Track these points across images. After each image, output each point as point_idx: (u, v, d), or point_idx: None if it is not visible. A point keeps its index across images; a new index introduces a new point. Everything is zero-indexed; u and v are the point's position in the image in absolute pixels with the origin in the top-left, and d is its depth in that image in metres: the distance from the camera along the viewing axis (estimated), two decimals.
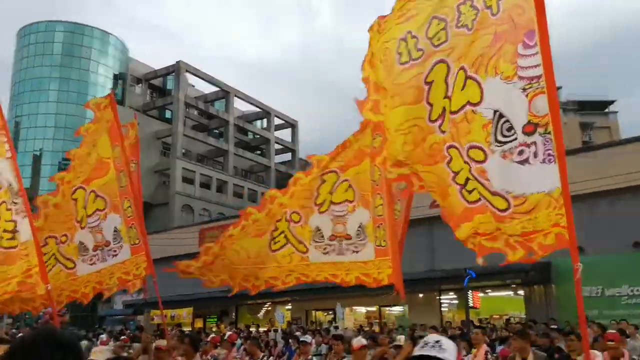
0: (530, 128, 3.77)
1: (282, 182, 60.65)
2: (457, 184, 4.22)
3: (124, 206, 7.16)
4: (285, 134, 64.90)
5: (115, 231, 7.12)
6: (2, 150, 5.98)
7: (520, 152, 3.83)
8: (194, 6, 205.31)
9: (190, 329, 27.00)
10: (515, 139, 3.84)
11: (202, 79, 55.22)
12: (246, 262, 6.76)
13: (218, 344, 10.44)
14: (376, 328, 22.26)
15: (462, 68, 4.18)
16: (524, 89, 3.78)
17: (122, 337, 14.14)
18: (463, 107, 4.13)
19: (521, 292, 21.49)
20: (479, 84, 4.05)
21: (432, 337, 2.65)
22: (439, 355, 2.41)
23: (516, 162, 3.84)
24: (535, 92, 3.72)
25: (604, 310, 16.81)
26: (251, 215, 6.67)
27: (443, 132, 4.27)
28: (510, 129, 3.87)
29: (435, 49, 4.41)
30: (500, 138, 3.92)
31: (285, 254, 6.74)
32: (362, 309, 26.49)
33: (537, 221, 3.74)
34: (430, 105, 4.39)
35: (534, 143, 3.75)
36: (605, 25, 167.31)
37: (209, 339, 11.86)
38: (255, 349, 8.79)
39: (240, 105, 61.36)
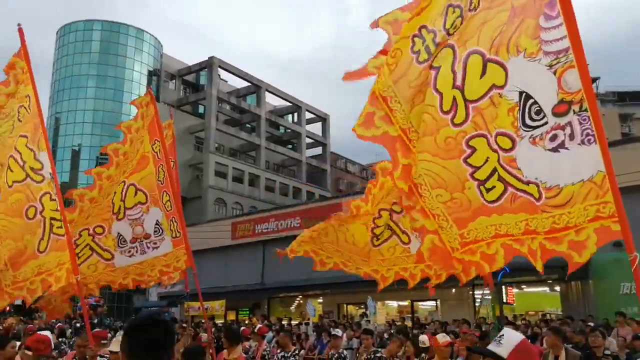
0: (562, 108, 3.38)
1: (314, 176, 60.87)
2: (475, 179, 3.90)
3: (163, 200, 7.32)
4: (316, 128, 64.96)
5: (157, 224, 7.26)
6: (42, 144, 6.14)
7: (553, 138, 3.42)
8: (226, 4, 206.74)
9: (223, 322, 27.31)
10: (546, 122, 3.46)
11: (234, 74, 55.64)
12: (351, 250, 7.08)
13: (249, 336, 10.50)
14: (408, 323, 22.13)
15: (476, 52, 3.83)
16: (551, 65, 3.41)
17: None
18: (488, 92, 3.76)
19: (557, 288, 21.06)
20: (501, 65, 3.69)
21: (504, 330, 2.71)
22: (494, 350, 2.50)
23: (549, 149, 3.45)
24: (563, 67, 3.34)
25: None
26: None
27: (457, 125, 3.94)
28: (539, 112, 3.49)
29: (449, 37, 4.10)
30: (528, 122, 3.55)
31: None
32: (394, 303, 26.38)
33: (571, 216, 3.36)
34: (439, 93, 4.08)
35: (569, 124, 3.35)
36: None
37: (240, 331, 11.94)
38: (287, 340, 8.85)
39: (272, 100, 61.67)
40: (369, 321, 19.98)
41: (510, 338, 2.55)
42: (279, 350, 8.82)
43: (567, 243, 3.39)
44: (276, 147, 58.66)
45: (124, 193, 7.27)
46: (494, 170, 3.76)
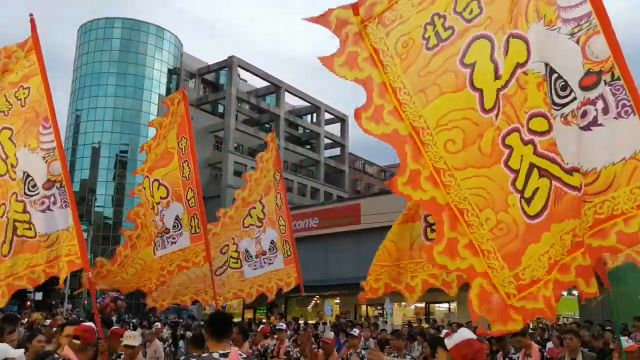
0: (590, 80, 2.94)
1: (332, 176, 60.86)
2: (517, 190, 3.35)
3: (188, 196, 7.41)
4: (334, 129, 64.93)
5: (176, 219, 7.39)
6: (34, 143, 5.98)
7: (583, 115, 2.96)
8: (245, 3, 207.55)
9: (240, 320, 27.50)
10: (574, 98, 3.02)
11: (254, 73, 55.85)
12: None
13: (268, 334, 10.59)
14: (424, 324, 22.09)
15: (516, 36, 3.42)
16: (572, 34, 3.01)
17: (156, 326, 14.54)
18: (513, 74, 3.34)
19: (575, 292, 20.82)
20: (521, 38, 3.30)
21: (460, 329, 3.43)
22: (445, 341, 3.17)
23: (581, 127, 2.98)
24: (587, 34, 2.95)
25: None
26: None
27: (495, 120, 3.50)
28: (564, 87, 3.06)
29: (469, 24, 3.68)
30: (556, 100, 3.11)
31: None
32: (411, 305, 26.33)
33: (616, 202, 2.83)
34: (479, 91, 3.58)
35: (601, 97, 2.91)
36: None
37: (259, 330, 12.06)
38: (308, 339, 8.93)
39: (291, 100, 61.76)
40: (385, 322, 19.99)
41: (459, 335, 3.11)
42: (296, 350, 8.91)
43: (616, 236, 2.83)
44: (295, 147, 58.76)
45: (151, 189, 7.50)
46: (531, 167, 3.26)
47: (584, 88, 2.97)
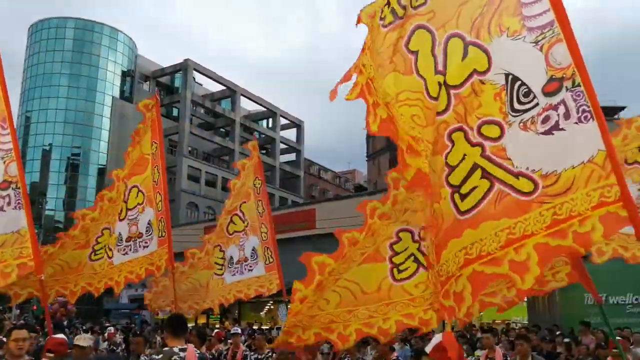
0: (553, 86, 3.04)
1: (287, 182, 60.92)
2: (450, 185, 3.44)
3: (157, 200, 7.61)
4: (290, 134, 65.09)
5: (148, 223, 7.57)
6: None
7: (546, 119, 3.06)
8: (200, 7, 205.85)
9: (194, 324, 27.19)
10: (537, 104, 3.11)
11: (210, 77, 55.49)
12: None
13: (222, 339, 10.58)
14: None
15: (455, 35, 3.54)
16: (537, 42, 3.12)
17: (109, 331, 14.38)
18: (468, 78, 3.42)
19: (525, 298, 21.48)
20: (482, 49, 3.38)
21: (435, 335, 3.63)
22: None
23: (541, 132, 3.08)
24: (550, 42, 3.05)
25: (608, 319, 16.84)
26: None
27: (440, 113, 3.57)
28: (527, 93, 3.15)
29: (414, 11, 3.81)
30: (517, 106, 3.19)
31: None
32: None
33: (574, 203, 2.92)
34: (423, 79, 3.71)
35: (562, 102, 3.01)
36: (614, 34, 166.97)
37: (213, 334, 12.03)
38: (263, 343, 9.00)
39: (247, 105, 61.62)
40: None
41: (435, 339, 3.39)
42: (252, 352, 8.94)
43: (572, 235, 2.91)
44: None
45: (126, 194, 7.56)
46: (474, 167, 3.34)
47: (547, 94, 3.07)
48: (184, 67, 53.30)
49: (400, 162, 3.94)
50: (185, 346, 4.46)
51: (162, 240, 7.47)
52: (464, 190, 3.36)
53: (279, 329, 21.35)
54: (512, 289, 4.58)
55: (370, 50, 4.18)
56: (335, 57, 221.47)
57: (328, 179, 68.97)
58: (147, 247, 7.52)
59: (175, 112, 56.26)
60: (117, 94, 54.43)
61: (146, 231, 7.54)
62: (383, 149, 62.00)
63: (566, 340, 11.76)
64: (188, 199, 49.68)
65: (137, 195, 7.63)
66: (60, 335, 5.02)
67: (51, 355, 4.66)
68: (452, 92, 3.50)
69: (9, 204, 5.94)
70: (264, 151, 62.34)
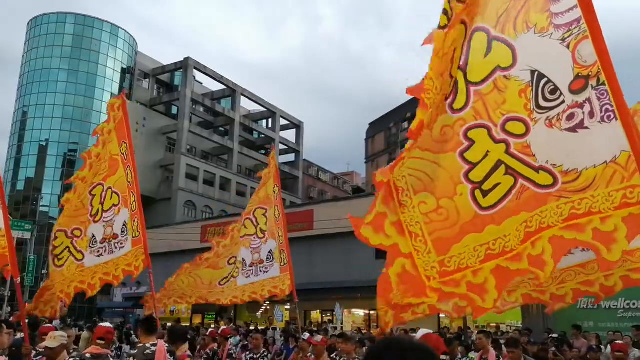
0: (579, 84, 3.01)
1: (286, 182, 60.84)
2: (470, 181, 3.38)
3: (130, 200, 7.54)
4: (289, 135, 65.09)
5: (124, 225, 7.51)
6: None
7: (571, 117, 3.04)
8: (200, 7, 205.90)
9: (189, 324, 27.15)
10: (563, 102, 3.09)
11: (210, 76, 55.39)
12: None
13: (216, 338, 10.54)
14: (373, 331, 22.36)
15: (481, 29, 3.45)
16: (564, 39, 3.07)
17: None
18: (491, 74, 3.36)
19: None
20: (508, 44, 3.32)
21: (422, 331, 3.82)
22: None
23: (566, 129, 3.05)
24: (577, 39, 3.01)
25: (599, 323, 16.92)
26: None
27: (456, 111, 3.47)
28: (554, 90, 3.11)
29: (460, 4, 3.61)
30: (542, 103, 3.16)
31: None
32: (360, 312, 26.61)
33: (594, 200, 2.91)
34: (441, 76, 3.57)
35: (588, 100, 2.99)
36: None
37: (207, 333, 11.98)
38: (260, 342, 8.99)
39: (247, 104, 61.58)
40: (335, 327, 20.15)
41: (420, 333, 3.62)
42: (247, 352, 8.94)
43: (592, 232, 2.90)
44: (249, 151, 58.55)
45: (103, 196, 7.48)
46: (498, 163, 3.29)
47: (573, 91, 3.05)
48: (184, 65, 53.16)
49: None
50: (156, 342, 5.55)
51: (137, 241, 7.45)
52: (486, 186, 3.34)
53: (274, 329, 21.33)
54: (611, 277, 4.29)
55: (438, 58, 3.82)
56: (334, 59, 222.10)
57: (326, 181, 68.92)
58: (123, 247, 7.48)
59: (174, 110, 56.18)
60: (116, 90, 54.28)
61: (122, 232, 7.51)
62: (382, 151, 62.01)
63: (554, 335, 11.78)
64: (186, 197, 49.60)
65: (111, 197, 7.57)
66: (107, 324, 5.51)
67: (102, 342, 5.14)
68: (472, 88, 3.44)
69: None
70: (263, 151, 62.34)
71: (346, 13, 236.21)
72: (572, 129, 3.04)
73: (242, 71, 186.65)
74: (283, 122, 63.29)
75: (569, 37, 3.06)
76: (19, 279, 6.02)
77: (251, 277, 9.88)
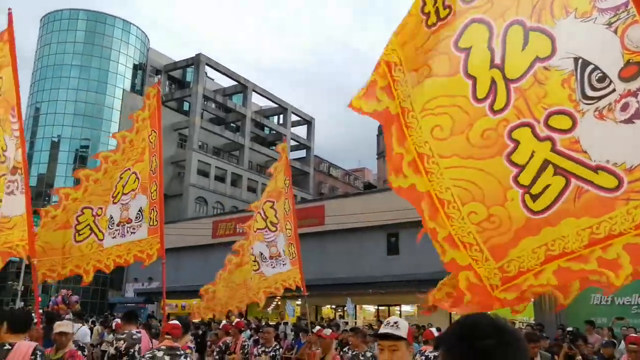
0: (631, 71, 2.76)
1: (297, 178, 60.97)
2: (520, 185, 3.13)
3: (151, 189, 7.66)
4: (300, 131, 65.06)
5: (139, 211, 7.61)
6: (8, 129, 6.37)
7: (625, 107, 2.78)
8: (209, 6, 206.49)
9: (200, 319, 27.24)
10: (613, 90, 2.82)
11: (221, 72, 55.49)
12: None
13: (230, 331, 10.56)
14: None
15: (515, 22, 3.24)
16: (610, 24, 2.84)
17: (116, 322, 14.38)
18: (530, 67, 3.12)
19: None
20: (546, 33, 3.09)
21: (392, 318, 3.42)
22: (395, 333, 3.15)
23: (621, 121, 2.79)
24: (625, 23, 2.78)
25: (613, 319, 16.79)
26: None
27: (497, 111, 3.24)
28: (602, 78, 2.85)
29: (466, 5, 3.49)
30: (590, 93, 2.88)
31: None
32: (371, 308, 26.57)
33: None
34: (473, 78, 3.37)
35: None
36: None
37: (220, 327, 12.00)
38: (271, 336, 9.00)
39: (258, 100, 61.60)
40: (347, 322, 20.13)
41: (404, 324, 3.24)
42: (259, 346, 8.93)
43: None
44: (260, 147, 58.61)
45: (127, 180, 7.57)
46: (545, 163, 3.04)
47: (624, 79, 2.80)
48: (196, 62, 53.29)
49: (391, 161, 3.69)
50: (140, 330, 6.91)
51: (154, 229, 7.53)
52: (534, 190, 3.07)
53: (285, 324, 21.35)
54: None
55: (406, 44, 3.80)
56: (343, 58, 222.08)
57: (337, 177, 68.88)
58: (134, 233, 7.57)
59: (186, 106, 56.37)
60: (127, 87, 54.55)
61: (136, 218, 7.59)
62: None
63: (570, 329, 11.70)
64: (197, 193, 49.77)
65: (134, 182, 7.69)
66: (175, 321, 5.82)
67: (169, 337, 5.57)
68: (512, 85, 3.21)
69: (17, 188, 6.27)
70: (274, 147, 62.34)
71: (356, 12, 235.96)
72: (629, 120, 2.76)
73: (252, 70, 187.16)
74: (294, 118, 63.31)
75: (616, 21, 2.83)
76: (35, 259, 6.18)
77: (117, 237, 9.68)
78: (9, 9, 6.40)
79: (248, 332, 15.91)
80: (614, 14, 2.84)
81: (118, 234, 7.59)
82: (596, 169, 2.85)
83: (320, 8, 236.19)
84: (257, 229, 10.29)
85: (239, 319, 11.75)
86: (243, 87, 57.23)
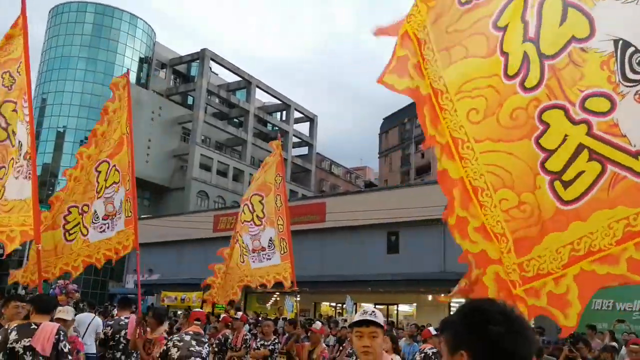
0: None
1: (298, 175, 61.02)
2: (548, 172, 2.89)
3: (126, 179, 7.68)
4: (303, 128, 65.10)
5: (121, 203, 7.62)
6: (21, 115, 6.48)
7: None
8: (215, 2, 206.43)
9: (186, 309, 27.38)
10: None
11: (226, 67, 55.59)
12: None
13: (230, 324, 10.65)
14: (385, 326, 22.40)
15: None
16: None
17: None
18: (565, 46, 2.91)
19: None
20: (584, 13, 2.87)
21: (368, 308, 3.50)
22: (374, 319, 3.24)
23: None
24: None
25: (614, 321, 16.80)
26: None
27: (529, 89, 3.00)
28: None
29: None
30: (631, 75, 2.67)
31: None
32: (370, 306, 26.65)
33: None
34: (505, 55, 3.15)
35: None
36: None
37: (220, 320, 12.10)
38: (271, 330, 9.07)
39: (261, 97, 61.69)
40: (345, 320, 20.19)
41: (380, 314, 3.35)
42: (258, 339, 9.00)
43: None
44: (263, 143, 58.67)
45: (108, 173, 7.58)
46: (580, 148, 2.79)
47: None
48: (201, 56, 53.44)
49: (427, 140, 3.52)
50: (129, 316, 7.30)
51: (129, 220, 7.53)
52: (567, 177, 2.81)
53: (284, 319, 21.43)
54: None
55: (437, 20, 3.58)
56: (348, 56, 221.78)
57: (339, 175, 68.94)
58: (116, 225, 7.63)
59: (190, 100, 56.47)
60: (133, 80, 54.64)
61: (118, 211, 7.64)
62: (395, 146, 61.83)
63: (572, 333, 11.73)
64: (199, 187, 49.88)
65: (114, 174, 7.70)
66: (201, 310, 6.38)
67: (198, 323, 6.01)
68: (546, 62, 2.96)
69: (21, 172, 6.33)
70: None
71: (361, 10, 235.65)
72: None
73: (256, 67, 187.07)
74: (297, 115, 63.35)
75: None
76: (40, 245, 6.16)
77: (256, 262, 10.15)
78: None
79: (247, 326, 15.98)
80: None
81: (107, 227, 7.59)
82: (637, 155, 2.61)
83: (325, 5, 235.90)
84: (244, 220, 10.45)
85: (239, 313, 11.82)
86: (247, 83, 57.30)
